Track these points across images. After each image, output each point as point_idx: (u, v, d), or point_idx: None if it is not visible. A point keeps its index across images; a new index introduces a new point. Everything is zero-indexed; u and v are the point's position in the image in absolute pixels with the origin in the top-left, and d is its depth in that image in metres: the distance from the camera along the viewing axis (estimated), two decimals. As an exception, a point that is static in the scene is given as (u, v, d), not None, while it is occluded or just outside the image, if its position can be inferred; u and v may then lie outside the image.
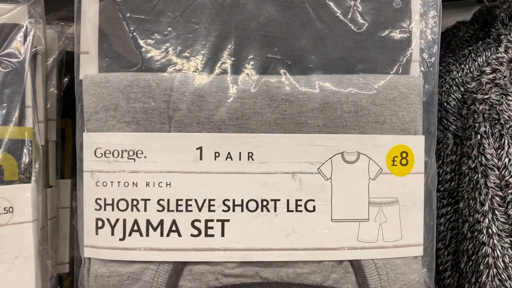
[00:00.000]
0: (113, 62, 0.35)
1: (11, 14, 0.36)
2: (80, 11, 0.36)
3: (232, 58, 0.35)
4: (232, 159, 0.34)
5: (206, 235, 0.34)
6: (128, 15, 0.35)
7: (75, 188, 0.36)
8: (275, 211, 0.34)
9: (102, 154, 0.35)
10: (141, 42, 0.35)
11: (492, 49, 0.56)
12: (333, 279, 0.35)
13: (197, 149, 0.34)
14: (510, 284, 0.47)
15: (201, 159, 0.34)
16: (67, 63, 0.44)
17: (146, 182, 0.34)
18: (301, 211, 0.35)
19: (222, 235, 0.34)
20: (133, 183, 0.34)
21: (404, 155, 0.36)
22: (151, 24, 0.35)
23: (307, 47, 0.36)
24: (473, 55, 0.57)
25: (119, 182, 0.34)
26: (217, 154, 0.34)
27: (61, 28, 0.43)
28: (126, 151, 0.34)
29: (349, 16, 0.36)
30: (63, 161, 0.45)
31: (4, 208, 0.34)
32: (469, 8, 0.85)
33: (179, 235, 0.34)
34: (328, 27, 0.36)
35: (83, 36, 0.36)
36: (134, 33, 0.35)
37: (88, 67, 0.36)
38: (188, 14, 0.35)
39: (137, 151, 0.34)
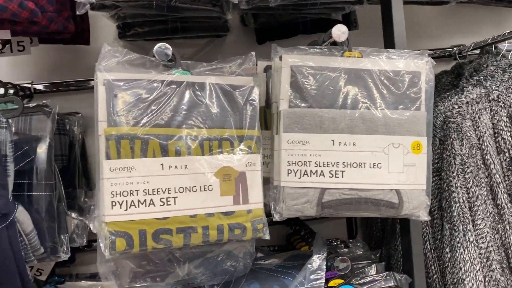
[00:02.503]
0: (296, 103, 0.83)
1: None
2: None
3: (351, 99, 0.84)
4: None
5: (336, 177, 0.82)
6: (302, 82, 0.83)
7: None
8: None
9: (291, 142, 0.82)
10: (312, 93, 0.83)
11: (458, 94, 1.05)
12: (388, 197, 0.83)
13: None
14: (470, 208, 0.96)
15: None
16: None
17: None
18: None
19: (342, 176, 0.82)
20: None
21: (418, 145, 0.85)
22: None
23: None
24: (449, 97, 1.07)
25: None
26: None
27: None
28: (301, 141, 0.82)
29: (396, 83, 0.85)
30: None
31: (253, 163, 0.81)
32: (450, 62, 1.35)
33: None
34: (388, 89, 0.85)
35: (282, 90, 0.84)
36: (306, 90, 0.83)
37: (283, 105, 0.84)
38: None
39: (306, 141, 0.82)
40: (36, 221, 0.82)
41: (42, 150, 0.87)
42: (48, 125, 0.89)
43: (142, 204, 0.73)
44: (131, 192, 0.73)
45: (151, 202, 0.74)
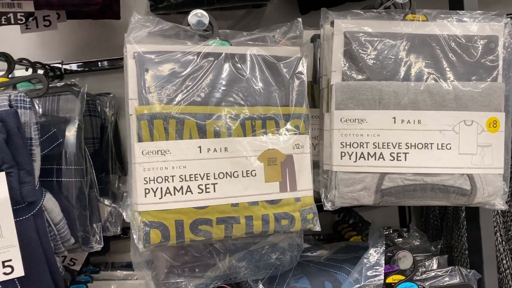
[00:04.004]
0: (351, 75, 0.72)
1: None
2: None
3: (415, 70, 0.72)
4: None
5: (397, 160, 0.71)
6: (358, 51, 0.72)
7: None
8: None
9: (345, 120, 0.72)
10: (370, 63, 0.72)
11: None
12: (459, 183, 0.72)
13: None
14: None
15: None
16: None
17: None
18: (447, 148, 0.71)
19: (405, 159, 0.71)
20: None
21: (495, 122, 0.72)
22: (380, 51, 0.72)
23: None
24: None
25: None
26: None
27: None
28: (356, 119, 0.72)
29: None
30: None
31: (301, 145, 0.71)
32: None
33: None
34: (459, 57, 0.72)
35: (334, 60, 0.73)
36: (363, 60, 0.72)
37: (335, 78, 0.73)
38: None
39: (362, 119, 0.71)
40: (66, 210, 0.76)
41: (71, 132, 0.80)
42: (77, 105, 0.82)
43: (178, 191, 0.65)
44: (166, 178, 0.65)
45: (188, 189, 0.65)
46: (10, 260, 0.66)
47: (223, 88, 0.68)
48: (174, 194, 0.65)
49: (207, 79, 0.67)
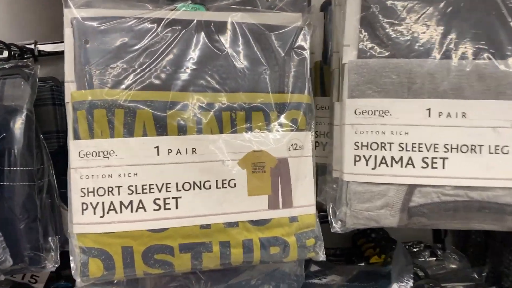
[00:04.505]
0: (370, 51, 0.53)
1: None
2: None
3: (453, 48, 0.52)
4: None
5: (432, 167, 0.52)
6: (380, 17, 0.53)
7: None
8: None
9: (360, 112, 0.53)
10: (396, 35, 0.52)
11: None
12: (519, 201, 0.52)
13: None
14: None
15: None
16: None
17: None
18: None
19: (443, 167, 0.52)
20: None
21: None
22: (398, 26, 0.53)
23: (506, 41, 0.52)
24: None
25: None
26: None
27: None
28: (377, 110, 0.52)
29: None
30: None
31: (299, 145, 0.53)
32: None
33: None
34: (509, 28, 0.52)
35: (347, 31, 0.54)
36: (387, 30, 0.53)
37: (349, 55, 0.54)
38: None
39: (385, 111, 0.52)
40: (7, 222, 0.60)
41: (17, 125, 0.64)
42: (26, 91, 0.66)
43: (126, 208, 0.48)
44: (110, 189, 0.48)
45: (140, 205, 0.48)
46: None
47: (192, 67, 0.50)
48: (121, 212, 0.48)
49: (170, 55, 0.50)
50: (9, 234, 0.61)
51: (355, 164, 0.53)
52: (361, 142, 0.53)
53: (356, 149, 0.53)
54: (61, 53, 0.96)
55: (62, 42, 0.95)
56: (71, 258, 0.50)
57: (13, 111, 0.64)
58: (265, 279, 0.57)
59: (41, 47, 0.96)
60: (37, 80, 0.67)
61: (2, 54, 0.85)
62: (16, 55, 0.88)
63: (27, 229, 0.63)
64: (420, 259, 0.86)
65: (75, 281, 0.85)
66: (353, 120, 0.53)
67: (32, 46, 0.94)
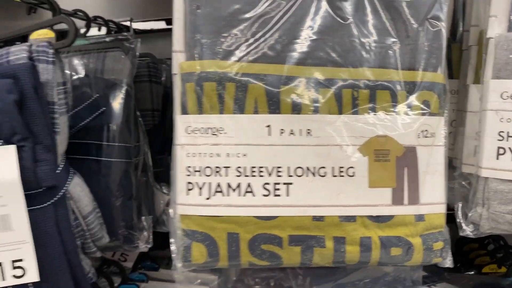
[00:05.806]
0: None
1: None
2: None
3: None
4: None
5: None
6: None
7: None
8: None
9: (508, 96, 0.44)
10: None
11: None
12: None
13: None
14: None
15: None
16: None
17: None
18: None
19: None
20: None
21: None
22: None
23: None
24: None
25: None
26: None
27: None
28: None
29: None
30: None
31: (430, 133, 0.45)
32: None
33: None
34: None
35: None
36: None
37: (496, 28, 0.45)
38: None
39: None
40: (103, 198, 0.59)
41: (116, 100, 0.63)
42: (126, 65, 0.64)
43: (234, 190, 0.43)
44: (218, 170, 0.43)
45: (249, 189, 0.43)
46: (21, 260, 0.51)
47: (310, 38, 0.44)
48: (228, 195, 0.43)
49: (286, 24, 0.44)
50: (105, 211, 0.59)
51: (497, 158, 0.45)
52: (508, 132, 0.44)
53: (500, 140, 0.45)
54: (155, 31, 0.96)
55: (157, 20, 0.95)
56: (171, 240, 0.47)
57: (113, 85, 0.63)
58: (376, 283, 0.51)
59: (135, 25, 0.96)
60: (137, 55, 0.66)
61: (100, 30, 0.86)
62: (113, 32, 0.89)
63: (123, 207, 0.62)
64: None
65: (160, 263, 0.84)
66: (498, 105, 0.45)
67: (128, 23, 0.94)
